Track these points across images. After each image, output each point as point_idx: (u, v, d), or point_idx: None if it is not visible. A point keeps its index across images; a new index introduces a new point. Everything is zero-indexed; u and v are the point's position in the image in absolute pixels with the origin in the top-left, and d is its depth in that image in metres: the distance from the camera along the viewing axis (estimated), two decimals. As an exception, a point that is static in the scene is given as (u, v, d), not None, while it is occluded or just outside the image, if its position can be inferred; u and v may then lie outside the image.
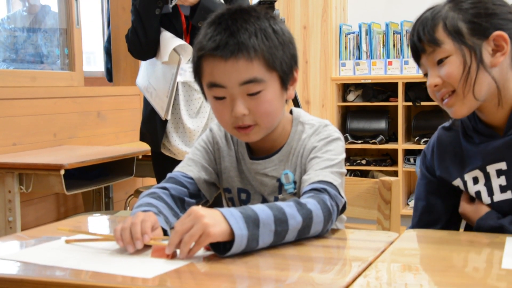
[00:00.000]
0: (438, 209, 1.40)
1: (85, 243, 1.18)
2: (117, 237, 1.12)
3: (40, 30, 3.83)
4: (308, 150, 1.33)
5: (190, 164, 1.41)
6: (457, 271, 1.00)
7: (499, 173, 1.29)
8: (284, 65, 1.28)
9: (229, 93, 1.25)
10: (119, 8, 4.01)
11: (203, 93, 1.34)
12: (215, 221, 1.05)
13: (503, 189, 1.29)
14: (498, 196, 1.30)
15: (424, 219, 1.41)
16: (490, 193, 1.30)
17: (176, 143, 2.39)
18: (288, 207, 1.13)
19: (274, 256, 1.09)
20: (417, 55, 1.33)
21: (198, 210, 1.06)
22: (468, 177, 1.33)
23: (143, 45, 2.33)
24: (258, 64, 1.23)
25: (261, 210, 1.10)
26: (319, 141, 1.33)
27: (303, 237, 1.16)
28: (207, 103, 2.36)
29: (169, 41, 2.31)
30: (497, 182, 1.29)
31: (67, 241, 1.19)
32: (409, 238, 1.22)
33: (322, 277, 0.97)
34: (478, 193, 1.32)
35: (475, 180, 1.32)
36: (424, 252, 1.17)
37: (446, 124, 1.42)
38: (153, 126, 2.42)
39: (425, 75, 1.34)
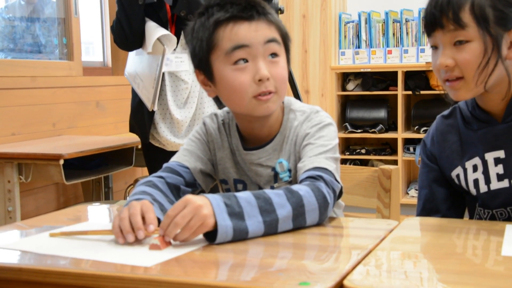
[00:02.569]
0: (441, 196, 1.40)
1: (72, 236, 1.18)
2: (116, 231, 1.11)
3: (38, 19, 3.81)
4: (301, 137, 1.34)
5: (186, 154, 1.41)
6: (457, 259, 1.00)
7: (497, 161, 1.29)
8: (287, 40, 1.35)
9: (253, 53, 1.28)
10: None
11: (210, 73, 1.33)
12: (209, 211, 1.07)
13: (500, 177, 1.29)
14: (495, 185, 1.30)
15: (427, 207, 1.41)
16: (487, 181, 1.30)
17: (164, 133, 2.39)
18: (276, 196, 1.14)
19: (274, 244, 1.09)
20: (432, 27, 1.25)
21: (194, 199, 1.07)
22: (469, 164, 1.32)
23: (127, 36, 2.31)
24: (275, 30, 1.32)
25: (246, 202, 1.11)
26: (312, 127, 1.33)
27: (302, 225, 1.16)
28: (195, 93, 2.39)
29: (153, 31, 2.30)
30: (495, 170, 1.29)
31: (51, 235, 1.17)
32: (408, 226, 1.22)
33: (321, 266, 0.97)
34: (476, 181, 1.31)
35: (475, 168, 1.32)
36: (424, 240, 1.17)
37: (445, 112, 1.41)
38: (141, 117, 2.41)
39: (433, 47, 1.27)
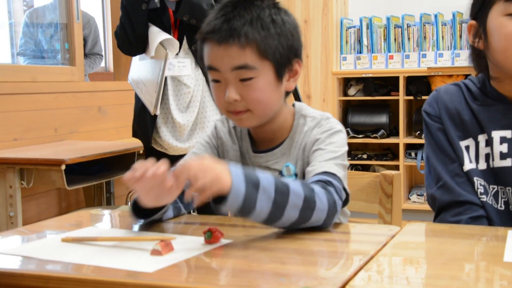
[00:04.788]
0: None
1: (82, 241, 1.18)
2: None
3: (40, 25, 3.82)
4: (310, 142, 1.34)
5: (193, 159, 1.41)
6: (459, 265, 1.00)
7: (503, 140, 1.30)
8: (278, 55, 1.29)
9: (223, 77, 1.29)
10: (119, 3, 4.00)
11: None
12: (225, 173, 1.08)
13: (503, 156, 1.30)
14: (498, 163, 1.31)
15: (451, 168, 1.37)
16: (491, 158, 1.32)
17: (166, 137, 2.40)
18: (293, 183, 1.16)
19: (275, 250, 1.09)
20: None
21: (212, 159, 1.11)
22: (482, 138, 1.33)
23: (131, 41, 2.33)
24: (251, 52, 1.26)
25: (265, 177, 1.13)
26: (322, 133, 1.34)
27: (306, 220, 1.16)
28: (197, 97, 2.40)
29: (155, 35, 2.31)
30: (499, 148, 1.30)
31: (63, 240, 1.17)
32: (410, 231, 1.22)
33: (323, 271, 0.97)
34: (487, 156, 1.33)
35: (487, 143, 1.33)
36: (425, 245, 1.17)
37: (444, 85, 1.42)
38: (143, 121, 2.43)
39: (510, 15, 1.24)
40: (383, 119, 4.47)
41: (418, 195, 4.41)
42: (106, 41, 4.66)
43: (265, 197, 1.10)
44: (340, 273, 0.94)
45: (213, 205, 1.11)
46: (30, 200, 3.13)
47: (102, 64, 4.52)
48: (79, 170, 2.99)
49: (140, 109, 2.44)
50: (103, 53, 4.41)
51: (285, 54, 1.30)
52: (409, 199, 4.47)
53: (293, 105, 1.42)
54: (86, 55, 4.21)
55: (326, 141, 1.32)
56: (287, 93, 1.37)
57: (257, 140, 1.41)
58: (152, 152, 2.47)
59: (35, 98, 3.21)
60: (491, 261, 1.02)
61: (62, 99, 3.39)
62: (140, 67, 2.44)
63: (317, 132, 1.35)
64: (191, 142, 2.41)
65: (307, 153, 1.34)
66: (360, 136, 4.48)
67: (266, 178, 1.12)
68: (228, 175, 1.08)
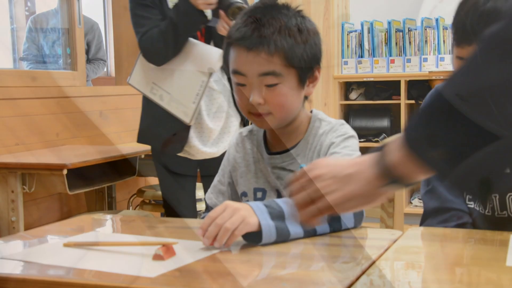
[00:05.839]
0: None
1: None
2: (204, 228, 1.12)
3: (42, 30, 3.83)
4: (326, 146, 1.38)
5: (213, 192, 1.52)
6: (461, 269, 1.00)
7: None
8: (303, 63, 1.35)
9: (249, 81, 1.33)
10: (121, 8, 4.01)
11: (229, 78, 1.40)
12: (250, 212, 1.12)
13: None
14: None
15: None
16: None
17: (195, 143, 2.37)
18: None
19: (278, 255, 1.08)
20: (469, 39, 1.22)
21: (233, 203, 1.13)
22: None
23: (169, 55, 2.29)
24: (278, 59, 1.31)
25: (284, 203, 1.17)
26: (337, 137, 1.38)
27: (338, 228, 1.21)
28: (224, 102, 2.40)
29: (205, 50, 2.29)
30: None
31: (65, 245, 1.18)
32: (412, 236, 1.22)
33: (325, 276, 0.97)
34: None
35: None
36: (427, 250, 1.17)
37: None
38: (172, 129, 2.39)
39: (460, 58, 1.26)
40: (384, 123, 4.47)
41: (419, 199, 4.41)
42: (108, 46, 4.67)
43: (293, 222, 1.14)
44: (342, 278, 0.94)
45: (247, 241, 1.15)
46: (31, 205, 3.13)
47: (104, 69, 4.52)
48: (81, 175, 2.99)
49: (165, 115, 2.36)
50: (106, 59, 4.42)
51: (308, 61, 1.36)
52: (411, 203, 4.47)
53: (311, 111, 1.47)
54: (89, 61, 4.22)
55: (341, 145, 1.36)
56: (305, 97, 1.41)
57: (272, 143, 1.45)
58: (173, 157, 2.43)
59: (36, 103, 3.22)
60: (494, 265, 1.01)
61: (63, 104, 3.39)
62: (156, 74, 2.35)
63: (333, 136, 1.39)
64: (219, 147, 2.41)
65: (323, 155, 1.38)
66: (362, 140, 4.47)
67: (285, 203, 1.16)
68: (253, 215, 1.11)
